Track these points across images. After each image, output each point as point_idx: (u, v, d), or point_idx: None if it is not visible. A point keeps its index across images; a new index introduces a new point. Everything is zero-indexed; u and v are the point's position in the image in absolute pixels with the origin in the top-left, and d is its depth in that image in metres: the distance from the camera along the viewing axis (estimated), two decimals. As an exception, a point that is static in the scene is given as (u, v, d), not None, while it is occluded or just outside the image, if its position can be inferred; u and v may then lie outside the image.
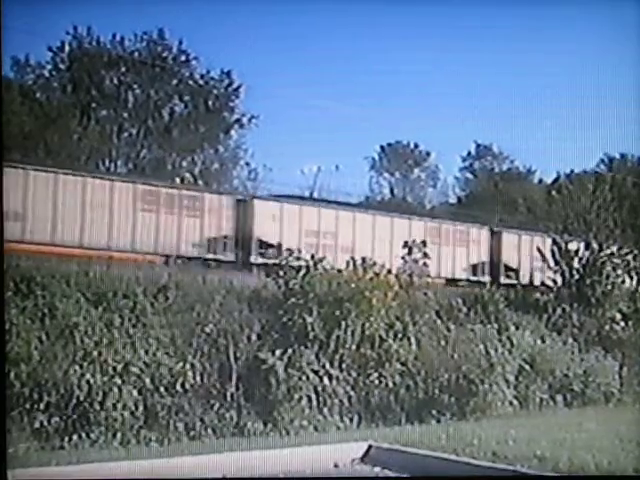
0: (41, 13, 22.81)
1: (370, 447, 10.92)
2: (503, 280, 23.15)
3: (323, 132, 37.01)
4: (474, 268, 23.87)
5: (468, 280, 23.01)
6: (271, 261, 18.32)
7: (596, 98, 19.49)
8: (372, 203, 36.66)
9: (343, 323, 14.21)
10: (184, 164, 32.64)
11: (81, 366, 11.89)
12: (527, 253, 24.03)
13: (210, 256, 19.65)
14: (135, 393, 12.15)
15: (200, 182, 30.33)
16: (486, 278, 23.04)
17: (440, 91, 36.41)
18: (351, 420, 13.81)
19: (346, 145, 37.87)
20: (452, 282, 22.33)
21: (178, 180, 28.94)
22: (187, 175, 31.37)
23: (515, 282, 22.87)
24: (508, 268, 24.25)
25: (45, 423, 11.40)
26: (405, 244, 17.98)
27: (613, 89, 19.88)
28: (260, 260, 20.06)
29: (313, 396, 13.44)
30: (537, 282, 22.39)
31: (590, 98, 19.47)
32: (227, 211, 20.46)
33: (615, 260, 20.25)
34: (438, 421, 13.97)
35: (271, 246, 20.43)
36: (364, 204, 33.88)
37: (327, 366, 13.84)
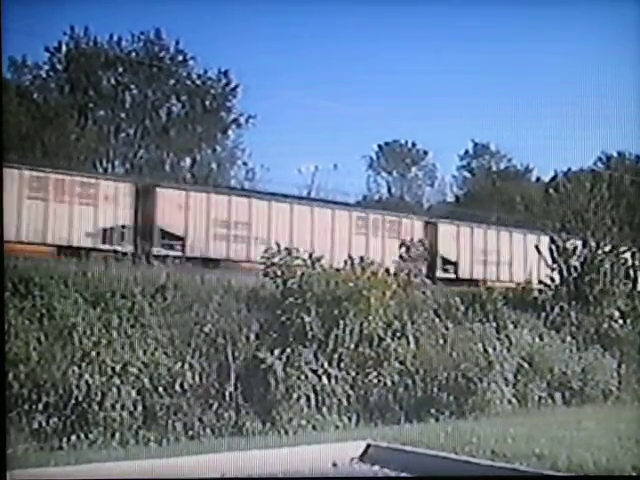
0: (38, 14, 22.76)
1: (369, 446, 10.91)
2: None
3: (320, 131, 37.04)
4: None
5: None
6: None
7: (596, 97, 19.54)
8: (370, 202, 36.68)
9: (341, 322, 14.20)
10: (182, 164, 32.66)
11: (79, 366, 11.86)
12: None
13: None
14: (134, 393, 12.12)
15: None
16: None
17: (437, 90, 36.50)
18: (350, 419, 13.79)
19: (343, 144, 37.83)
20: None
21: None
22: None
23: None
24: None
25: (44, 424, 11.37)
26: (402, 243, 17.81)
27: (613, 89, 19.91)
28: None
29: (312, 395, 13.42)
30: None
31: (590, 97, 19.52)
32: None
33: (613, 258, 20.26)
34: (437, 420, 13.95)
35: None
36: (362, 203, 33.88)
37: (326, 365, 13.82)
